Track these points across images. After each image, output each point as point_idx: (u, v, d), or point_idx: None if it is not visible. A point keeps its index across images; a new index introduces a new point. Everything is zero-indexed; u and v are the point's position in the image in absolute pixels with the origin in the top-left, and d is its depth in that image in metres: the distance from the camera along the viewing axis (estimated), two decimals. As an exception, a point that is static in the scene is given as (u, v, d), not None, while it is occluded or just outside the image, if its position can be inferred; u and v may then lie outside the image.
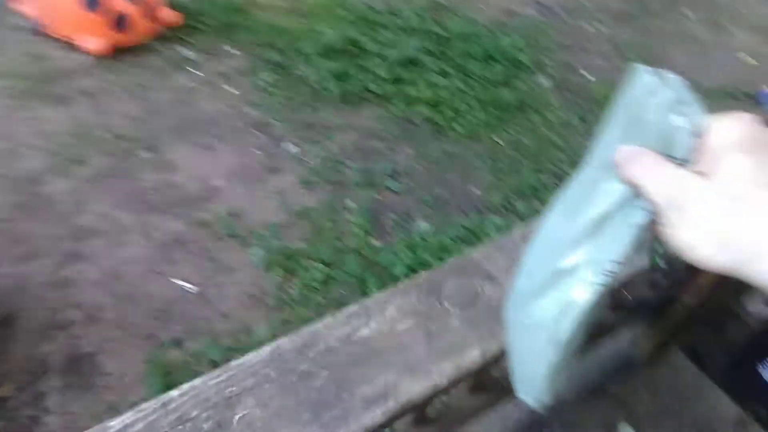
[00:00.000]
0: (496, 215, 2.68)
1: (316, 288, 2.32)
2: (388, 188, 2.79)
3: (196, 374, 2.28)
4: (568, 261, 0.46)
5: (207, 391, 0.79)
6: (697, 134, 0.39)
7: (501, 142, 3.15)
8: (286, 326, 2.19)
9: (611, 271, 0.44)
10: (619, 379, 1.67)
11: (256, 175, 2.77)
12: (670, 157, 0.39)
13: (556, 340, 0.49)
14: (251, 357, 0.84)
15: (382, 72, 3.35)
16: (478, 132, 3.18)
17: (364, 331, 0.88)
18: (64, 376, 1.98)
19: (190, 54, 3.45)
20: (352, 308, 0.90)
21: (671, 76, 0.40)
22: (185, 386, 0.80)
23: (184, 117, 3.05)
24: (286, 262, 2.38)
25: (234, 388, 0.80)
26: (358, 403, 0.79)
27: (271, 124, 3.09)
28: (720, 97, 3.79)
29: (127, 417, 0.76)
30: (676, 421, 1.58)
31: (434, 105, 3.26)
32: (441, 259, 2.43)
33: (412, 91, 3.30)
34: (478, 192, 2.84)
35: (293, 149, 2.94)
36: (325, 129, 3.10)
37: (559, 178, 2.94)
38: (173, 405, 0.78)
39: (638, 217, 0.42)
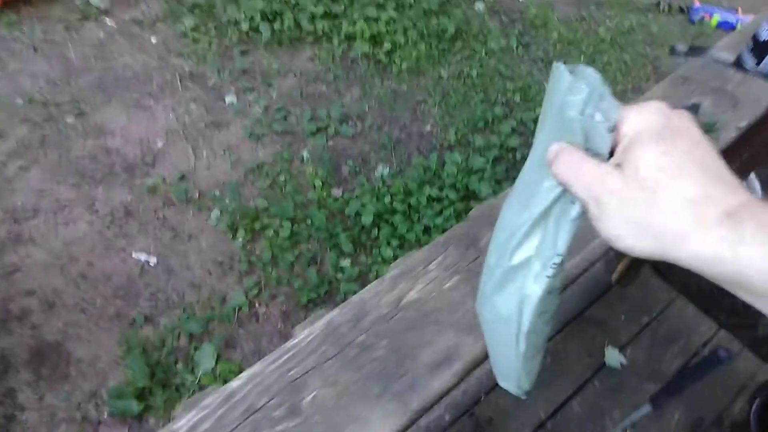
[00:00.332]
0: (454, 152, 2.67)
1: (283, 246, 2.25)
2: (340, 134, 2.70)
3: (175, 350, 2.20)
4: (520, 255, 0.49)
5: (269, 377, 0.75)
6: (612, 128, 0.40)
7: (445, 75, 3.11)
8: (261, 290, 2.13)
9: (557, 264, 0.47)
10: (597, 303, 1.76)
11: (198, 132, 2.59)
12: (592, 152, 0.41)
13: (519, 331, 0.53)
14: (305, 335, 0.80)
15: (314, 8, 3.17)
16: (422, 66, 3.11)
17: (413, 295, 0.85)
18: (33, 370, 1.85)
19: (95, 0, 3.10)
20: (394, 271, 0.87)
21: (589, 72, 0.41)
22: (244, 375, 0.76)
23: (106, 74, 2.78)
24: (249, 222, 2.28)
25: (296, 370, 0.76)
26: (423, 369, 0.77)
27: (203, 74, 2.88)
28: (654, 11, 3.90)
29: (192, 415, 0.71)
30: (652, 337, 1.68)
31: (373, 40, 3.14)
32: (407, 204, 2.42)
33: (348, 27, 3.16)
34: (432, 129, 2.81)
35: (233, 100, 2.76)
36: (263, 75, 2.93)
37: (510, 108, 2.96)
38: (238, 396, 0.73)
39: (573, 212, 0.44)
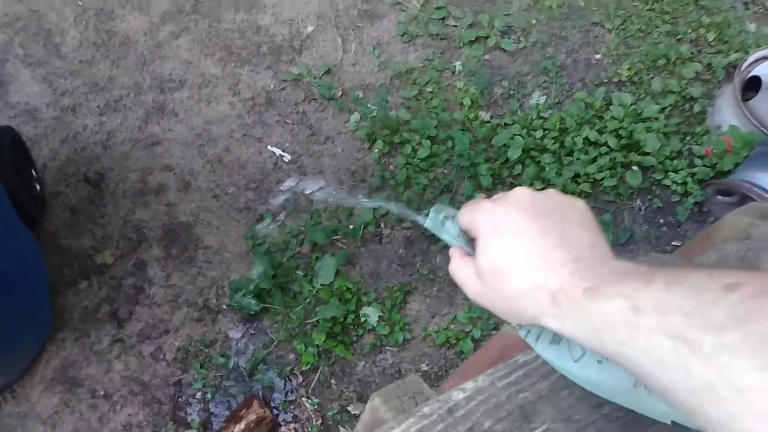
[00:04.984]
0: (623, 91, 2.32)
1: (420, 167, 2.08)
2: (500, 48, 2.41)
3: (297, 255, 2.06)
4: None
5: (497, 396, 0.62)
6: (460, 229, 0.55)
7: (632, -5, 2.65)
8: (389, 212, 2.00)
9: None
10: None
11: (351, 22, 2.39)
12: (467, 251, 0.54)
13: None
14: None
15: None
16: (606, -21, 2.66)
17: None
18: (164, 247, 1.87)
19: None
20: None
21: (446, 209, 0.59)
22: (469, 386, 0.63)
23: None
24: (388, 134, 2.12)
25: (527, 394, 0.62)
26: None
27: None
28: None
29: (410, 423, 0.60)
30: None
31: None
32: (560, 142, 2.15)
33: None
34: (603, 59, 2.45)
35: (391, -11, 2.50)
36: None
37: (699, 47, 2.51)
38: (461, 412, 0.61)
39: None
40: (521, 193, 0.47)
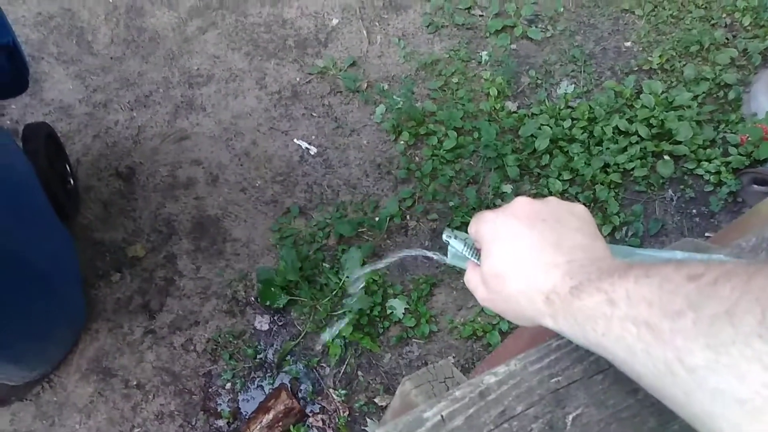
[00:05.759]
0: (654, 79, 2.27)
1: (445, 158, 2.07)
2: (527, 36, 2.38)
3: (324, 248, 2.05)
4: None
5: (529, 380, 0.61)
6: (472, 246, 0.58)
7: (662, -21, 2.59)
8: (415, 202, 2.00)
9: None
10: None
11: (376, 13, 2.38)
12: (476, 262, 0.57)
13: None
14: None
15: None
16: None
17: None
18: (193, 240, 1.90)
19: None
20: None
21: (460, 235, 0.60)
22: (500, 370, 0.63)
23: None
24: (414, 126, 2.11)
25: (560, 378, 0.61)
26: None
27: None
28: None
29: (442, 407, 0.60)
30: None
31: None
32: (589, 132, 2.11)
33: None
34: (633, 46, 2.40)
35: (416, -19, 2.48)
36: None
37: (734, 32, 2.43)
38: (492, 396, 0.61)
39: None
40: (521, 202, 0.50)
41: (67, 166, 1.93)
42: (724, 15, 2.50)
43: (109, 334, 1.80)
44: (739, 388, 0.31)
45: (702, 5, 2.51)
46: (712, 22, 2.47)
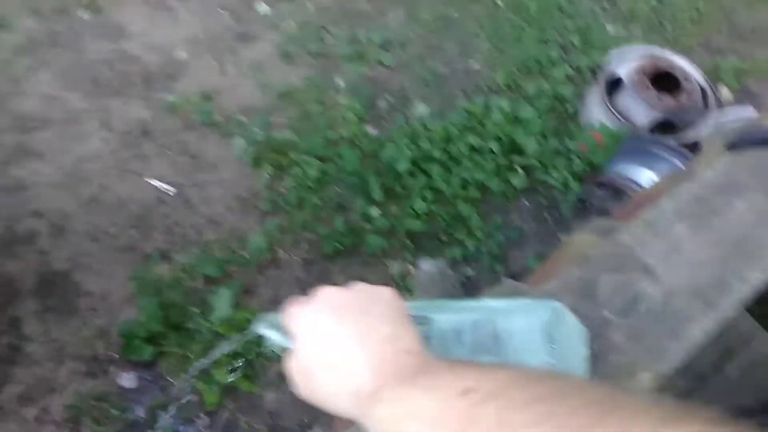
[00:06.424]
0: (501, 96, 2.43)
1: (311, 187, 2.07)
2: (380, 62, 2.45)
3: (191, 292, 2.00)
4: None
5: None
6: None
7: (501, 3, 2.79)
8: (283, 234, 1.98)
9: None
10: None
11: (225, 45, 2.33)
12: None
13: None
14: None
15: None
16: (475, -11, 2.78)
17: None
18: (40, 299, 1.73)
19: None
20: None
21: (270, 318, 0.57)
22: None
23: (125, -36, 2.46)
24: (275, 156, 2.09)
25: None
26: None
27: (233, -24, 2.56)
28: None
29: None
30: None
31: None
32: (447, 152, 2.22)
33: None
34: (479, 67, 2.55)
35: (266, 11, 2.47)
36: (299, -16, 2.61)
37: (566, 51, 2.68)
38: None
39: None
40: (326, 293, 0.50)
41: None
42: (557, 35, 2.74)
43: (-56, 420, 1.59)
44: None
45: (537, 27, 2.74)
46: (547, 41, 2.70)
